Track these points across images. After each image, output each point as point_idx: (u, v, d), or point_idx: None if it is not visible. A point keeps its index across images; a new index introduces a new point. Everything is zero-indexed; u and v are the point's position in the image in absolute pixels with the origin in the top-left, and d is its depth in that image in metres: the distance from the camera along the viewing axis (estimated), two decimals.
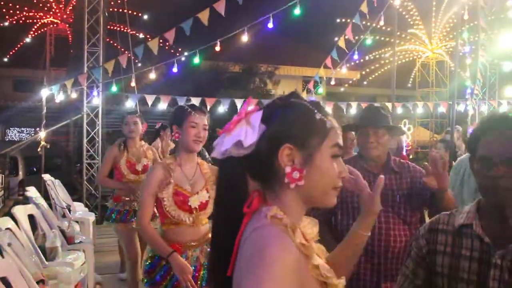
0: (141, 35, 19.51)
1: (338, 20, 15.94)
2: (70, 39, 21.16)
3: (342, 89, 19.71)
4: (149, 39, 9.13)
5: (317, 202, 1.08)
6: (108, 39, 11.94)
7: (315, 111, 1.06)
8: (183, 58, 8.76)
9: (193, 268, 2.55)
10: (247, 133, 1.00)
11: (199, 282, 2.56)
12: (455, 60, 8.66)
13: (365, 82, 23.45)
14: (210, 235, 2.65)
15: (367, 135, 2.47)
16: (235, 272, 0.97)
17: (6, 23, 23.18)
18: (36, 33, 24.81)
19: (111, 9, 13.11)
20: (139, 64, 10.62)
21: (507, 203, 1.32)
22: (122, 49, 12.16)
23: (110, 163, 4.41)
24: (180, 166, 2.65)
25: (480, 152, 1.37)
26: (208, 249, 2.60)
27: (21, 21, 24.47)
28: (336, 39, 10.03)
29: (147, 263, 2.61)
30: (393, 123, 2.73)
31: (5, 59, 22.59)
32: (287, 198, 1.04)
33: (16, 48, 23.16)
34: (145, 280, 2.59)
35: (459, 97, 11.58)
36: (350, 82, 21.71)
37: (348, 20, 10.11)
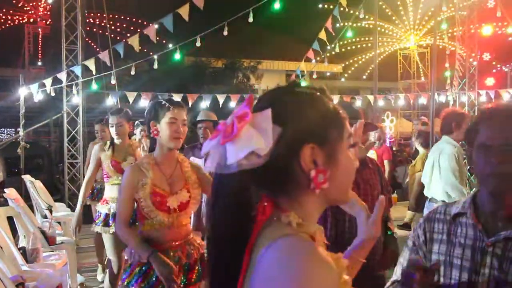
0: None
1: (320, 6, 15.84)
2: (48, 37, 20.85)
3: (325, 82, 19.80)
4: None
5: (337, 201, 0.98)
6: (87, 39, 11.78)
7: (327, 99, 0.93)
8: (164, 54, 8.69)
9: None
10: (260, 139, 0.82)
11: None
12: (433, 51, 8.74)
13: (346, 75, 23.59)
14: (191, 236, 2.61)
15: None
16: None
17: None
18: (13, 32, 24.39)
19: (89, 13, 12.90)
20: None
21: (505, 190, 1.36)
22: (99, 49, 12.00)
23: (98, 164, 4.14)
24: (158, 165, 2.53)
25: (480, 140, 1.40)
26: (191, 251, 2.55)
27: None
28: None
29: (125, 268, 2.55)
30: (376, 116, 2.79)
31: None
32: (306, 203, 0.90)
33: None
34: (123, 285, 2.50)
35: (441, 88, 11.75)
36: (332, 75, 21.82)
37: (331, 7, 10.11)
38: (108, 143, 4.16)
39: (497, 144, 1.36)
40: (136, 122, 5.86)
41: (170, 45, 8.82)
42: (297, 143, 0.86)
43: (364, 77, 23.71)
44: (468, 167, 5.52)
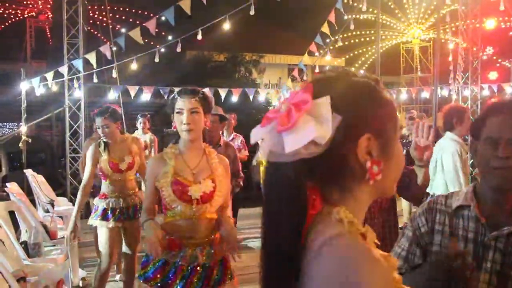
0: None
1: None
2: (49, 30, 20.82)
3: None
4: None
5: (385, 193, 0.94)
6: (89, 28, 11.73)
7: (382, 90, 0.91)
8: (162, 50, 8.64)
9: (190, 268, 2.41)
10: (320, 128, 0.79)
11: (192, 286, 2.40)
12: (436, 45, 8.68)
13: (352, 69, 23.46)
14: (216, 235, 2.49)
15: None
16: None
17: None
18: (15, 26, 24.35)
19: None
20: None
21: (510, 183, 1.36)
22: (104, 40, 11.96)
23: (95, 164, 4.00)
24: (182, 155, 2.45)
25: (487, 133, 1.39)
26: (211, 252, 2.47)
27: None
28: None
29: (144, 258, 2.51)
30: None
31: None
32: (359, 195, 0.88)
33: None
34: (140, 274, 2.47)
35: (443, 82, 11.68)
36: (334, 69, 21.69)
37: None
38: (102, 144, 4.01)
39: (506, 137, 1.35)
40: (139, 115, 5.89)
41: (170, 37, 8.77)
42: (355, 133, 0.84)
43: (362, 71, 23.60)
44: (471, 162, 5.50)
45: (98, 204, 4.07)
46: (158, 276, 2.40)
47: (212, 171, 2.47)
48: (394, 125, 0.90)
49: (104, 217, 3.96)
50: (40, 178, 5.83)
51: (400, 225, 6.32)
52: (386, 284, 0.77)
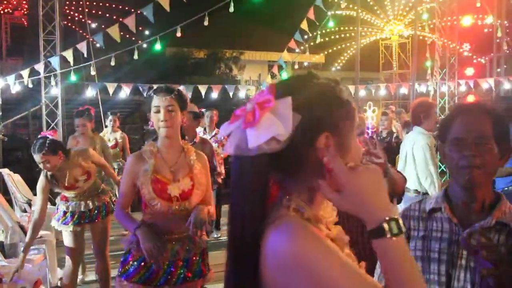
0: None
1: None
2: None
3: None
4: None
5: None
6: (66, 22, 11.53)
7: (341, 91, 0.99)
8: (144, 45, 8.57)
9: (171, 262, 2.44)
10: (280, 126, 0.87)
11: (174, 279, 2.45)
12: (414, 42, 8.80)
13: (333, 68, 23.63)
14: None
15: None
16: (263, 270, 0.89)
17: None
18: None
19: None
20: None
21: (477, 182, 1.40)
22: (84, 34, 11.75)
23: (46, 198, 3.68)
24: (161, 153, 2.48)
25: (453, 134, 1.44)
26: (191, 246, 2.51)
27: None
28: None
29: (122, 257, 2.51)
30: (357, 106, 2.72)
31: None
32: (317, 188, 0.95)
33: None
34: (121, 273, 2.47)
35: (421, 78, 11.86)
36: (314, 65, 21.82)
37: None
38: (49, 175, 3.66)
39: (471, 137, 1.40)
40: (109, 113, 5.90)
41: (147, 33, 8.68)
42: (314, 131, 0.92)
43: (339, 67, 23.82)
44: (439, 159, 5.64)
45: (59, 205, 3.96)
46: (141, 272, 2.42)
47: (191, 168, 2.50)
48: (351, 124, 0.98)
49: (64, 220, 3.85)
50: (17, 177, 5.72)
51: None
52: (329, 258, 0.84)
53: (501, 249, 1.36)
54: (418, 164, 4.08)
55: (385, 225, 0.86)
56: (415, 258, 1.49)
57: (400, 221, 0.87)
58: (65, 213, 3.87)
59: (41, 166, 3.56)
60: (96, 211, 3.92)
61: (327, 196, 0.92)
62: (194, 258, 2.53)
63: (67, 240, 3.85)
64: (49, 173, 3.63)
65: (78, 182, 3.76)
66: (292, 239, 0.86)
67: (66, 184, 3.73)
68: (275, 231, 0.88)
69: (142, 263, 2.43)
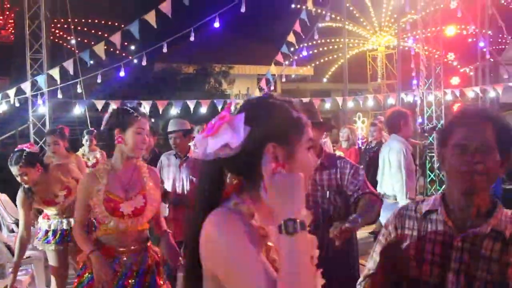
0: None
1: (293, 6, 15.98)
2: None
3: (296, 85, 19.91)
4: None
5: None
6: (53, 39, 11.51)
7: (292, 109, 1.16)
8: (133, 61, 8.57)
9: (123, 275, 2.50)
10: (233, 135, 1.07)
11: None
12: (398, 53, 8.90)
13: (324, 80, 23.80)
14: (148, 244, 2.65)
15: None
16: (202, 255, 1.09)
17: None
18: None
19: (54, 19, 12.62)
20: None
21: (477, 188, 1.41)
22: (73, 49, 11.70)
23: (28, 212, 3.63)
24: (115, 171, 2.55)
25: (456, 139, 1.44)
26: (146, 258, 2.59)
27: None
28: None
29: (78, 271, 2.60)
30: (346, 117, 2.75)
31: None
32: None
33: None
34: (76, 285, 2.54)
35: (408, 88, 11.97)
36: (302, 77, 21.95)
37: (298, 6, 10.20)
38: (26, 189, 3.59)
39: (474, 143, 1.40)
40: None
41: (133, 47, 8.69)
42: (261, 141, 1.09)
43: (325, 79, 24.02)
44: (437, 166, 5.65)
45: (41, 225, 3.88)
46: (93, 285, 2.49)
47: (143, 186, 2.58)
48: (299, 137, 1.14)
49: (46, 239, 3.78)
50: (4, 197, 5.65)
51: (370, 231, 6.45)
52: (236, 236, 1.02)
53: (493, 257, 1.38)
54: (392, 168, 4.15)
55: (283, 224, 0.98)
56: (408, 257, 1.51)
57: (300, 223, 0.98)
58: (47, 231, 3.80)
59: (18, 179, 3.51)
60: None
61: (262, 195, 1.10)
62: (148, 268, 2.58)
63: (51, 259, 3.80)
64: (26, 186, 3.56)
65: (58, 197, 3.69)
66: (213, 220, 1.06)
67: (46, 198, 3.66)
68: (209, 216, 1.08)
69: (92, 279, 2.50)
